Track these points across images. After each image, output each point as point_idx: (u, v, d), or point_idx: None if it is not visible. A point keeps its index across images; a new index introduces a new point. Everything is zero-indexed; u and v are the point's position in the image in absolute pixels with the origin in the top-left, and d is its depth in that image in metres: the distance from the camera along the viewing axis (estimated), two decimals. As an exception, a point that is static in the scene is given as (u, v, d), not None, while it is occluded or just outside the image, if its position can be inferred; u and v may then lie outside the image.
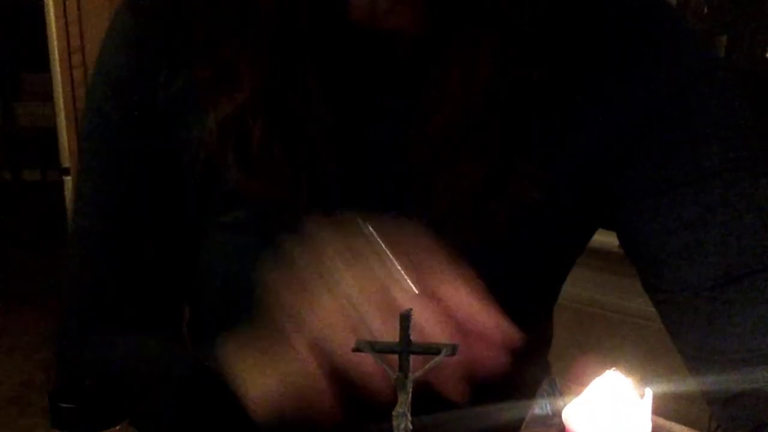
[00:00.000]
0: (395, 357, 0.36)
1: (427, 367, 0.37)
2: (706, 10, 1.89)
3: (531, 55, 0.51)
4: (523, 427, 0.42)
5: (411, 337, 0.36)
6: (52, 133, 2.07)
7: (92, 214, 0.61)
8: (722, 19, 1.89)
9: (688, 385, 0.52)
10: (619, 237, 0.58)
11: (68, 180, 2.02)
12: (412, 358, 0.36)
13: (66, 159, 1.99)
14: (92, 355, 0.61)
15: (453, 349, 0.36)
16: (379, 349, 0.37)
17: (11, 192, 4.06)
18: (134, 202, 0.59)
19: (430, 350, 0.36)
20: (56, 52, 1.88)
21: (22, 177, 4.15)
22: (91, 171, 0.61)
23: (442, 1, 0.52)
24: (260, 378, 0.45)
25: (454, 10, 0.52)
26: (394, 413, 0.36)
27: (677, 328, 0.54)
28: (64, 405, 0.35)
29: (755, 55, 1.89)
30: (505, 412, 0.48)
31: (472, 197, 0.52)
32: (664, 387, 0.41)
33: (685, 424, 0.49)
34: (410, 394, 0.36)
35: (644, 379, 0.39)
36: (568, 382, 0.45)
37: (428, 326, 0.42)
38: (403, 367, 0.36)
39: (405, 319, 0.36)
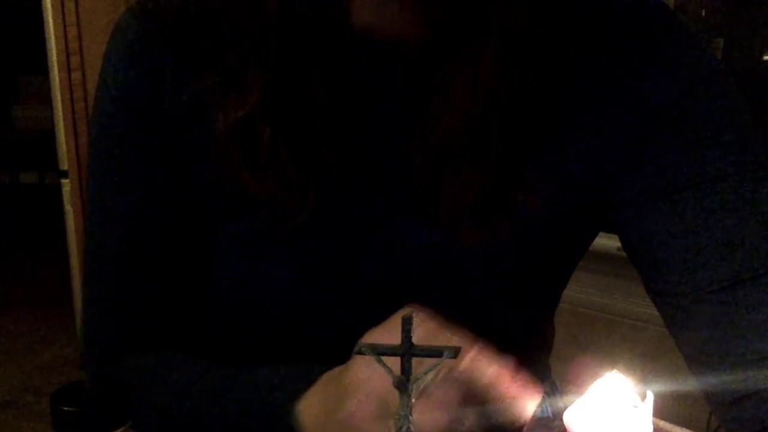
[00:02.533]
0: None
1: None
2: (703, 13, 1.90)
3: (532, 63, 0.51)
4: (524, 430, 0.42)
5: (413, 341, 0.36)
6: (50, 135, 2.07)
7: (107, 231, 0.60)
8: (719, 22, 1.90)
9: (690, 386, 0.52)
10: (621, 241, 0.58)
11: (66, 183, 2.01)
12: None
13: (64, 162, 1.99)
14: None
15: (455, 352, 0.36)
16: (381, 351, 0.37)
17: (9, 195, 4.06)
18: (148, 215, 0.59)
19: (432, 353, 0.36)
20: (54, 54, 1.88)
21: (20, 180, 4.15)
22: (103, 186, 0.60)
23: (443, 10, 0.52)
24: None
25: (456, 20, 0.52)
26: (396, 415, 0.36)
27: (681, 331, 0.53)
28: (66, 408, 0.34)
29: (752, 57, 1.90)
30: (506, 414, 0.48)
31: (475, 206, 0.53)
32: (665, 389, 0.41)
33: (685, 426, 0.50)
34: (411, 397, 0.36)
35: (645, 381, 0.39)
36: (568, 384, 0.45)
37: None
38: (405, 370, 0.36)
39: (407, 321, 0.36)
